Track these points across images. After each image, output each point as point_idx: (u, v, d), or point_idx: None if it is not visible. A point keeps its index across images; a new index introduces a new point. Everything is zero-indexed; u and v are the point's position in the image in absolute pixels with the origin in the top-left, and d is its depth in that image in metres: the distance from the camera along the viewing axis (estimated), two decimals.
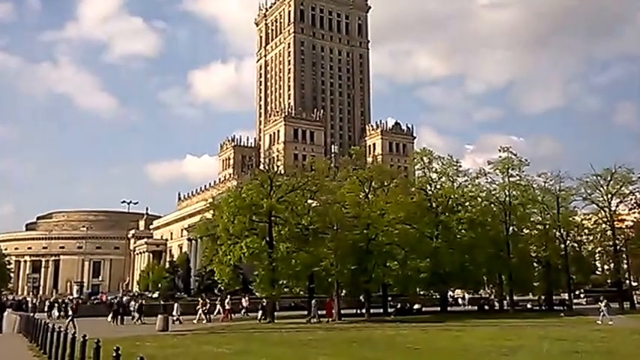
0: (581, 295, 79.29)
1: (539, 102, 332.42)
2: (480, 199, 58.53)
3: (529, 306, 65.75)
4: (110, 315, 45.45)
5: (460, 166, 57.86)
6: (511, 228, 59.48)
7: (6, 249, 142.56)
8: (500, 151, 59.03)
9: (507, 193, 58.52)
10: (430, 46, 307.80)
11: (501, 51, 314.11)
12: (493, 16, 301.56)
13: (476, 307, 62.03)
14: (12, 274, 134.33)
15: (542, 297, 64.77)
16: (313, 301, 46.26)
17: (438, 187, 57.00)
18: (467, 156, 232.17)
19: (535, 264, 62.99)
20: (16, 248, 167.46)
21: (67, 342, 15.51)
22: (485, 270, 56.87)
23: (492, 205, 59.07)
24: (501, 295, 62.04)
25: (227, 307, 48.30)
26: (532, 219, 62.38)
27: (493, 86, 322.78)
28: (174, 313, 44.30)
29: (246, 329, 36.86)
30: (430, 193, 56.64)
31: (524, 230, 62.83)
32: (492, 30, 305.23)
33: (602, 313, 39.41)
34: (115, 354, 10.18)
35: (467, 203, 56.57)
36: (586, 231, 64.47)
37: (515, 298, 60.38)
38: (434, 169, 57.17)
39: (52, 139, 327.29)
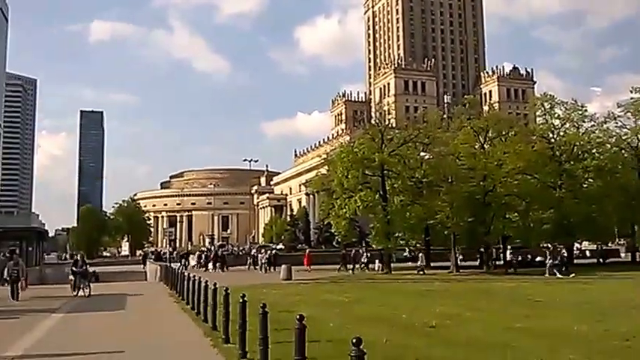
0: None
1: None
2: (608, 146, 54.20)
3: None
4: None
5: (586, 110, 53.62)
6: None
7: (145, 206, 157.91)
8: (631, 92, 53.71)
9: None
10: None
11: None
12: None
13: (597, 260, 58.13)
14: (152, 229, 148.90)
15: None
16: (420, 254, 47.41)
17: (562, 134, 53.54)
18: (594, 99, 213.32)
19: None
20: (154, 205, 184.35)
21: (201, 289, 17.26)
22: (616, 220, 53.18)
23: (623, 152, 54.49)
24: (634, 247, 57.86)
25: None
26: None
27: (617, 22, 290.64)
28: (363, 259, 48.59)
29: (364, 279, 38.09)
30: (553, 140, 53.43)
31: None
32: None
33: (550, 268, 39.88)
34: (241, 300, 11.30)
35: (594, 150, 52.73)
36: None
37: None
38: (556, 115, 53.57)
39: (173, 104, 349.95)
